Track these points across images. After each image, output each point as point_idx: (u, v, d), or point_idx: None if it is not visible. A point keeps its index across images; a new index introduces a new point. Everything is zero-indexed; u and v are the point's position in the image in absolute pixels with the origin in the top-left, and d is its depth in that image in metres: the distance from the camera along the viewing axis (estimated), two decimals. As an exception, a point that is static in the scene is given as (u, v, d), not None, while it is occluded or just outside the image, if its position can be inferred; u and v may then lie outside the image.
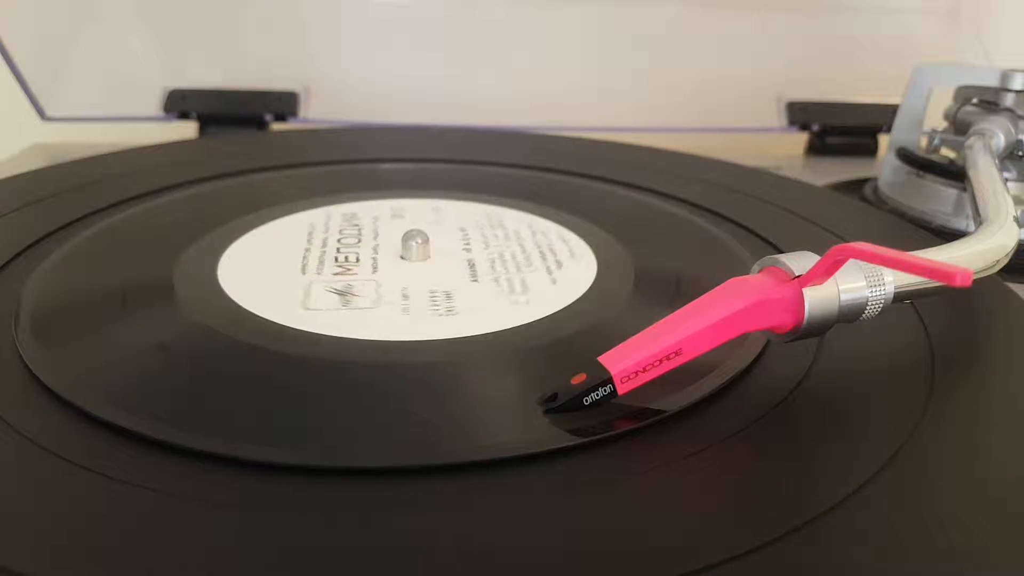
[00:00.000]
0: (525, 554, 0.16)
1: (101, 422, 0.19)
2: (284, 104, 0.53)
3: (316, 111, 0.54)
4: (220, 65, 0.54)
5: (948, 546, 0.16)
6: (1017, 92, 0.39)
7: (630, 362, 0.20)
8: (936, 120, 0.44)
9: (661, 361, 0.20)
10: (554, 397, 0.20)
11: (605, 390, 0.20)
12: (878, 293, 0.22)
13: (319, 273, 0.28)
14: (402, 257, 0.29)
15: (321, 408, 0.20)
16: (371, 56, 0.56)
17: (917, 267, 0.18)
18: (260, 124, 0.53)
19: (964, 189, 0.38)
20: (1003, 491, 0.18)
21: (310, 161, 0.42)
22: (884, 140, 0.56)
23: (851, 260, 0.20)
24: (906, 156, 0.43)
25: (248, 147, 0.45)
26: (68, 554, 0.15)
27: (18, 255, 0.29)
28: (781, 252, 0.24)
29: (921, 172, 0.42)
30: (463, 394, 0.22)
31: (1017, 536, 0.17)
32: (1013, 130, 0.38)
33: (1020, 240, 0.28)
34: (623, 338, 0.20)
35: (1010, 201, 0.30)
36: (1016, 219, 0.28)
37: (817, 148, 0.57)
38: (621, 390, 0.20)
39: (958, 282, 0.17)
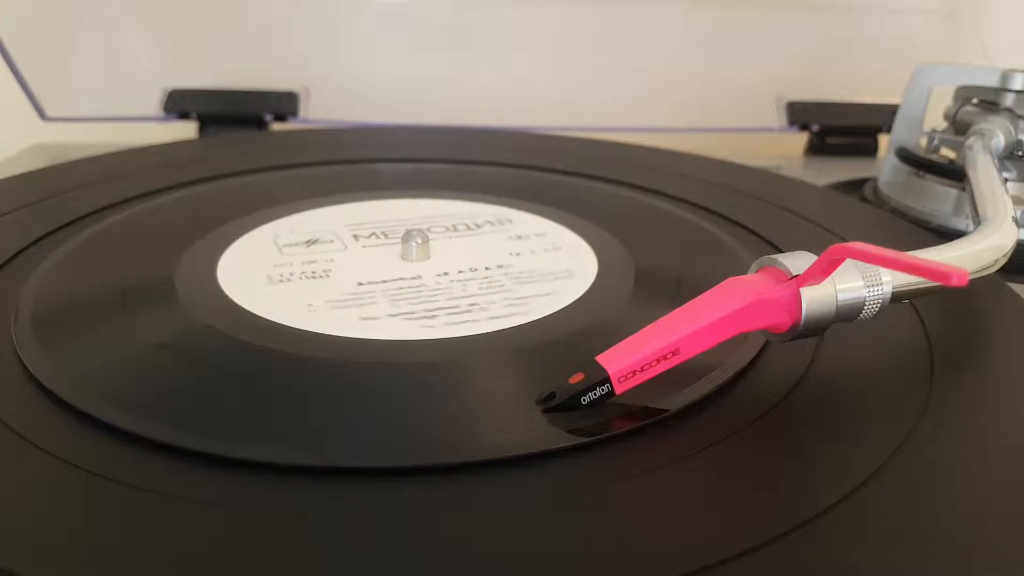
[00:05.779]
0: (525, 554, 0.16)
1: (101, 422, 0.19)
2: (284, 104, 0.53)
3: (316, 111, 0.54)
4: (220, 65, 0.54)
5: (948, 545, 0.16)
6: (1017, 92, 0.39)
7: (627, 361, 0.20)
8: (936, 120, 0.44)
9: (659, 360, 0.20)
10: (552, 396, 0.20)
11: (603, 389, 0.20)
12: (875, 293, 0.22)
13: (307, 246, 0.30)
14: (402, 257, 0.29)
15: (321, 408, 0.20)
16: (371, 56, 0.56)
17: (914, 267, 0.18)
18: (260, 124, 0.53)
19: (964, 189, 0.38)
20: (1003, 490, 0.18)
21: (310, 161, 0.42)
22: (884, 140, 0.56)
23: (848, 260, 0.20)
24: (906, 156, 0.43)
25: (248, 147, 0.45)
26: (67, 554, 0.15)
27: (18, 255, 0.29)
28: (780, 252, 0.24)
29: (921, 172, 0.42)
30: (463, 394, 0.22)
31: (1017, 536, 0.17)
32: (1013, 130, 0.38)
33: (1019, 240, 0.28)
34: (623, 338, 0.20)
35: (1009, 201, 0.30)
36: (1015, 219, 0.28)
37: (817, 148, 0.57)
38: (619, 389, 0.20)
39: (954, 282, 0.17)
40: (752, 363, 0.23)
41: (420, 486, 0.18)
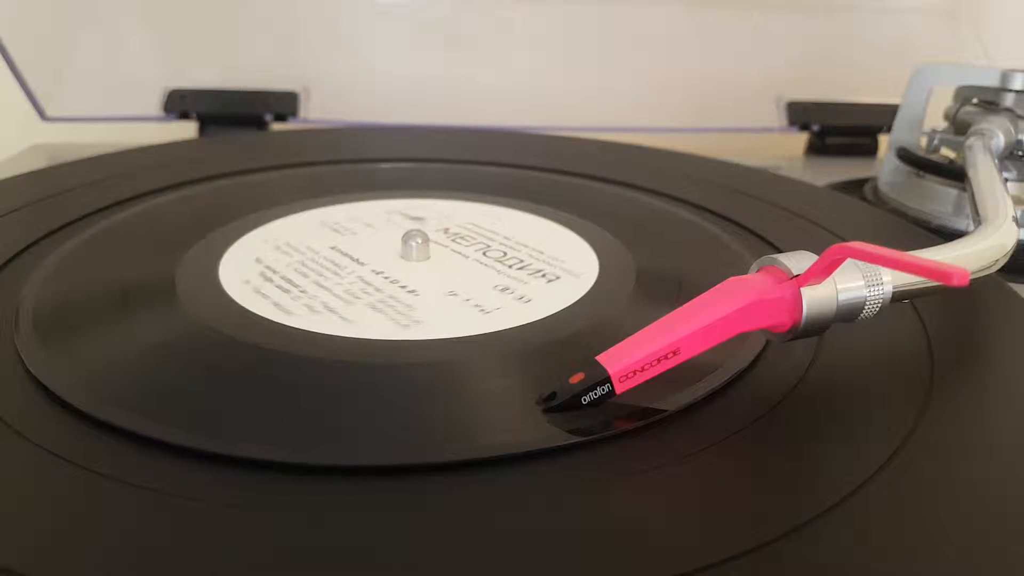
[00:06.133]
0: (525, 554, 0.16)
1: (101, 422, 0.19)
2: (284, 104, 0.53)
3: (316, 111, 0.54)
4: (220, 65, 0.54)
5: (948, 546, 0.16)
6: (1017, 92, 0.39)
7: (628, 361, 0.20)
8: (936, 120, 0.44)
9: (659, 360, 0.20)
10: (552, 396, 0.20)
11: (603, 389, 0.20)
12: (876, 293, 0.22)
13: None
14: (401, 257, 0.29)
15: (321, 407, 0.20)
16: (371, 56, 0.56)
17: (914, 267, 0.18)
18: (260, 124, 0.53)
19: (964, 189, 0.38)
20: (1003, 491, 0.18)
21: (310, 161, 0.42)
22: (884, 140, 0.56)
23: (849, 260, 0.20)
24: (906, 156, 0.43)
25: (248, 147, 0.45)
26: (68, 554, 0.15)
27: (18, 255, 0.29)
28: (781, 252, 0.24)
29: (921, 172, 0.42)
30: (464, 393, 0.22)
31: (1017, 536, 0.17)
32: (1013, 130, 0.38)
33: (1019, 240, 0.28)
34: (623, 338, 0.20)
35: (1009, 201, 0.30)
36: (1015, 219, 0.28)
37: (817, 148, 0.57)
38: (619, 389, 0.20)
39: (955, 282, 0.17)
40: (752, 363, 0.23)
41: (420, 485, 0.18)
